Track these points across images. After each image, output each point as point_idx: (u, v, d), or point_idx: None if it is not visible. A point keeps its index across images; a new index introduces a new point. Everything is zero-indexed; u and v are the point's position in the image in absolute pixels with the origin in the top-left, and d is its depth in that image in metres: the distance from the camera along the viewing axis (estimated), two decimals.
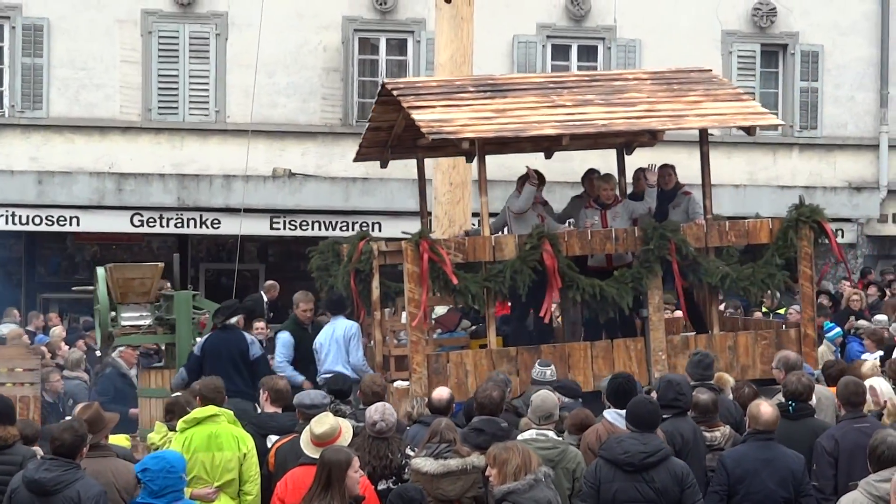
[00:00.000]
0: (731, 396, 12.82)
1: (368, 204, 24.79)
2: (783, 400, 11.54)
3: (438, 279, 13.96)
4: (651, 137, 16.14)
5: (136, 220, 24.43)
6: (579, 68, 26.04)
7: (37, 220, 24.30)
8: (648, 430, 10.07)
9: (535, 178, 15.42)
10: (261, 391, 12.17)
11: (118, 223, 24.60)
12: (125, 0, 24.91)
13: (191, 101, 24.95)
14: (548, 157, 17.32)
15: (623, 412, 10.66)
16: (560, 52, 26.19)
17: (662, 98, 15.19)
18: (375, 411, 10.80)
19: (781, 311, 20.29)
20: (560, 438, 10.80)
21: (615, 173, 16.38)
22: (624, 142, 16.35)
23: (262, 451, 11.11)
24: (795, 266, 14.86)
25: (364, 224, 24.76)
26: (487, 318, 14.62)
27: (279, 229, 24.99)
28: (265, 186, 24.30)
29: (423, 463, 10.12)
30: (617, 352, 14.58)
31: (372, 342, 15.89)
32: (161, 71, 24.85)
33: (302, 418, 11.05)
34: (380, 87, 15.54)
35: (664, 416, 10.91)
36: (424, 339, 14.30)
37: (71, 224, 24.49)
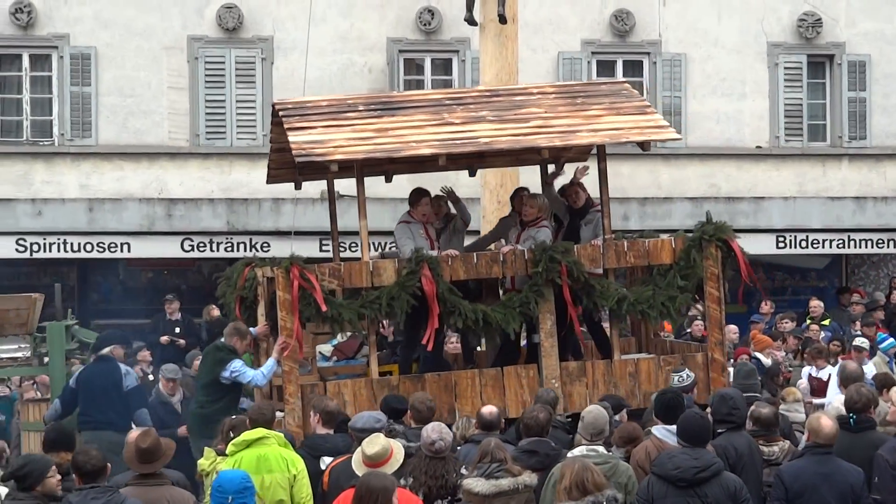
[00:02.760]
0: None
1: None
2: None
3: (310, 306, 13.48)
4: (581, 152, 15.96)
5: (186, 244, 24.51)
6: None
7: (88, 248, 24.43)
8: (700, 445, 10.01)
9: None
10: (311, 414, 12.15)
11: (169, 248, 24.70)
12: (171, 27, 25.07)
13: (238, 126, 25.05)
14: (471, 174, 16.93)
15: (672, 427, 10.61)
16: (605, 67, 26.14)
17: (561, 113, 14.63)
18: (433, 430, 10.76)
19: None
20: (610, 453, 10.75)
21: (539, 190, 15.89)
22: (547, 158, 15.71)
23: (315, 473, 11.11)
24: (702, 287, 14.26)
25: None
26: (370, 345, 14.28)
27: (329, 251, 25.02)
28: (314, 209, 24.31)
29: (475, 483, 10.09)
30: (508, 380, 14.00)
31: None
32: (208, 96, 24.97)
33: (356, 441, 11.04)
34: (272, 108, 15.16)
35: (718, 431, 10.85)
36: (297, 369, 13.76)
37: (122, 250, 24.60)
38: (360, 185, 14.20)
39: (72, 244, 24.42)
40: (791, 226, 26.21)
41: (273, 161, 15.47)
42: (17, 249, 24.20)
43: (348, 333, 16.57)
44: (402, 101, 15.17)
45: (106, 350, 15.64)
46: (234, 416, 12.10)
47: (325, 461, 11.39)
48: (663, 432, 10.83)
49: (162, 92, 24.94)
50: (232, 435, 11.25)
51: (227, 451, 11.07)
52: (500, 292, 14.94)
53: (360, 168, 14.15)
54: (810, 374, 17.17)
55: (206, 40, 25.12)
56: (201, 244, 24.71)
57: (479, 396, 13.81)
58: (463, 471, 10.52)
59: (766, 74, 26.42)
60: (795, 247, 26.32)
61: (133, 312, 25.53)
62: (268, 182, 16.50)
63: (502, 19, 18.14)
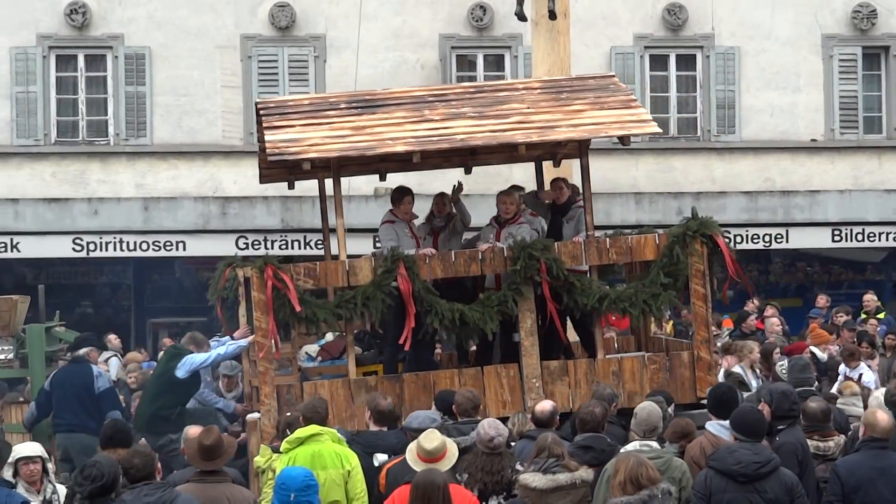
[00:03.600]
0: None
1: (472, 220, 24.71)
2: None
3: (284, 307, 13.32)
4: (583, 148, 15.79)
5: (240, 242, 24.62)
6: (678, 78, 25.97)
7: (144, 246, 24.59)
8: (757, 440, 9.97)
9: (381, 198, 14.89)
10: (366, 412, 12.17)
11: (223, 247, 24.77)
12: (224, 26, 25.20)
13: None
14: (467, 172, 16.66)
15: (725, 423, 10.57)
16: (658, 62, 26.06)
17: (543, 108, 14.31)
18: (490, 426, 10.75)
19: None
20: (663, 449, 10.72)
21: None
22: (541, 154, 15.51)
23: (368, 470, 11.12)
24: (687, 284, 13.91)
25: (465, 240, 24.69)
26: (348, 345, 14.15)
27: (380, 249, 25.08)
28: (367, 206, 24.35)
29: (532, 478, 10.08)
30: (488, 379, 13.70)
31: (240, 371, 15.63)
32: (262, 95, 25.05)
33: (411, 439, 11.04)
34: (255, 108, 14.93)
35: (779, 427, 10.80)
36: (273, 370, 13.60)
37: (177, 249, 24.73)
38: (337, 183, 14.05)
39: (127, 243, 24.58)
40: (847, 219, 26.02)
41: (264, 161, 15.10)
42: (73, 249, 24.37)
43: (337, 333, 16.41)
44: (384, 98, 14.95)
45: (81, 352, 15.68)
46: (289, 413, 12.12)
47: (379, 458, 11.40)
48: (717, 427, 10.79)
49: (216, 91, 25.07)
50: (288, 432, 11.29)
51: (281, 449, 11.11)
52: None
53: (337, 166, 14.03)
54: (845, 374, 17.01)
55: (259, 39, 25.23)
56: (256, 242, 24.81)
57: None
58: (518, 466, 10.51)
59: (821, 67, 26.26)
60: (851, 240, 26.12)
61: (188, 310, 25.68)
62: (261, 182, 16.32)
63: (552, 15, 18.11)
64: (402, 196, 14.93)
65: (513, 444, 11.46)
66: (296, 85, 25.08)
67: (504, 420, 11.70)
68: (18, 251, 24.45)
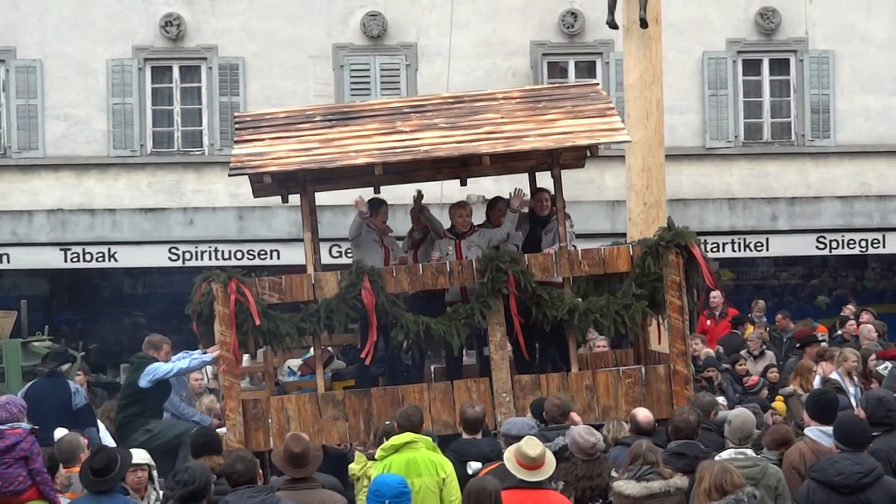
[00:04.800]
0: None
1: None
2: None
3: (247, 321, 13.27)
4: (577, 158, 15.45)
5: (333, 251, 24.70)
6: (771, 83, 25.76)
7: (238, 255, 24.77)
8: (859, 449, 9.85)
9: (363, 206, 14.63)
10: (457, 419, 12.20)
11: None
12: (317, 36, 25.37)
13: None
14: (463, 184, 16.41)
15: (826, 429, 10.46)
16: (751, 66, 25.87)
17: (517, 118, 14.14)
18: (588, 433, 10.76)
19: None
20: (759, 456, 10.64)
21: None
22: (534, 164, 15.33)
23: (462, 478, 11.14)
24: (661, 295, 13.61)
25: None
26: (316, 360, 14.12)
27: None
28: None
29: (626, 485, 10.06)
30: (458, 393, 13.53)
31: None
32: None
33: (508, 445, 11.04)
34: (233, 121, 14.83)
35: (874, 434, 10.68)
36: (237, 384, 13.60)
37: (271, 257, 24.90)
38: (304, 196, 14.11)
39: (222, 252, 24.79)
40: None
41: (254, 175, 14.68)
42: (169, 258, 24.63)
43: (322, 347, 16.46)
44: (360, 110, 14.90)
45: (64, 367, 15.76)
46: (387, 422, 12.18)
47: (472, 466, 11.42)
48: (817, 433, 10.67)
49: (308, 100, 25.20)
50: (384, 440, 11.34)
51: (376, 456, 11.17)
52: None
53: (304, 179, 14.04)
54: None
55: (351, 48, 25.37)
56: (349, 250, 24.85)
57: (428, 411, 13.32)
58: (613, 473, 10.49)
59: None
60: None
61: None
62: (254, 196, 16.07)
63: (643, 23, 18.04)
64: (378, 206, 15.00)
65: (609, 450, 11.46)
66: (387, 93, 25.17)
67: (597, 427, 11.68)
68: (116, 260, 24.75)
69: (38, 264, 25.18)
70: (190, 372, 15.04)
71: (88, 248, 24.70)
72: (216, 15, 25.33)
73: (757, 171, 25.81)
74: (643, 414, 11.70)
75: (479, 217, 15.83)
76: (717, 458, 10.32)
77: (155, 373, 14.34)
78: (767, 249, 25.70)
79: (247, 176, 13.90)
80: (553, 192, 14.58)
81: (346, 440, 13.43)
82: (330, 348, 16.65)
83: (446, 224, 15.19)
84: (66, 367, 15.70)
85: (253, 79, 25.27)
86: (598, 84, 15.52)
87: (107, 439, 14.26)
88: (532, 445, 10.06)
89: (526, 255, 13.91)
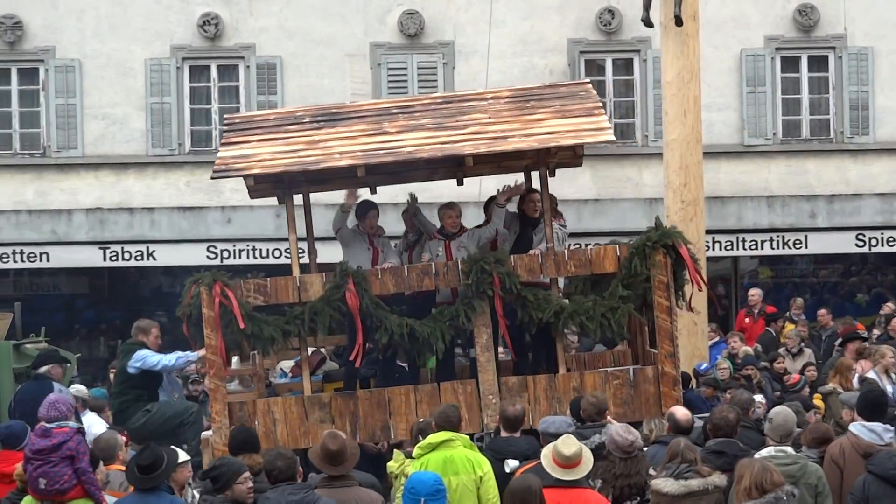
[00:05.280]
0: None
1: (601, 225, 24.69)
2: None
3: (231, 324, 13.30)
4: (573, 157, 15.35)
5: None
6: (810, 80, 25.63)
7: (276, 254, 24.84)
8: None
9: (348, 205, 14.67)
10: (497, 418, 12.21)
11: None
12: (354, 35, 25.41)
13: None
14: (459, 183, 16.14)
15: (871, 425, 10.45)
16: (790, 63, 25.76)
17: (504, 118, 14.07)
18: (626, 430, 10.73)
19: None
20: (799, 454, 10.61)
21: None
22: (529, 164, 15.23)
23: (500, 476, 11.14)
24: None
25: (597, 245, 24.64)
26: (302, 361, 14.09)
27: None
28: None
29: (664, 484, 10.03)
30: (444, 395, 13.49)
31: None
32: None
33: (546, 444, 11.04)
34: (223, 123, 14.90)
35: None
36: (224, 387, 13.62)
37: (308, 255, 24.94)
38: (289, 198, 14.13)
39: (260, 250, 24.87)
40: None
41: (261, 177, 14.68)
42: (207, 256, 24.72)
43: (311, 349, 16.27)
44: (349, 111, 14.91)
45: (43, 369, 15.87)
46: (421, 420, 12.19)
47: (510, 464, 11.42)
48: (860, 429, 10.65)
49: (346, 98, 25.19)
50: (420, 438, 11.35)
51: (413, 454, 11.17)
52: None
53: (289, 182, 14.08)
54: None
55: (388, 46, 25.39)
56: None
57: (415, 413, 13.42)
58: (651, 471, 10.47)
59: None
60: None
61: None
62: (251, 197, 16.13)
63: (678, 21, 17.99)
64: (366, 210, 14.96)
65: (645, 448, 11.43)
66: (425, 92, 25.16)
67: (635, 425, 11.66)
68: (154, 259, 24.87)
69: (77, 263, 25.32)
70: (174, 369, 15.05)
71: (127, 247, 24.83)
72: (254, 14, 25.40)
73: (795, 169, 25.69)
74: (682, 412, 11.68)
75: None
76: (756, 456, 10.30)
77: (143, 361, 14.48)
78: (806, 247, 25.61)
79: (243, 178, 13.94)
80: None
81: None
82: (323, 350, 16.65)
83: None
84: (45, 368, 15.73)
85: (290, 78, 25.32)
86: (588, 83, 15.39)
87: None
88: (568, 444, 10.04)
89: (512, 256, 13.86)
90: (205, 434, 13.87)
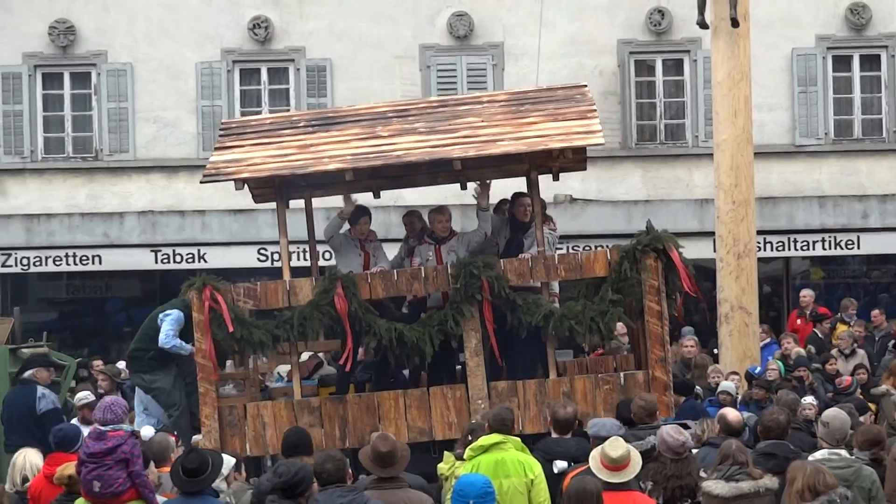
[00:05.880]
0: None
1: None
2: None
3: (221, 328, 13.29)
4: (577, 161, 15.21)
5: None
6: (862, 79, 25.46)
7: (327, 256, 24.83)
8: None
9: (346, 212, 14.65)
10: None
11: None
12: (403, 37, 25.45)
13: None
14: (463, 187, 15.85)
15: None
16: (841, 63, 25.59)
17: (496, 122, 14.00)
18: (677, 431, 10.71)
19: None
20: (853, 458, 10.54)
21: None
22: (528, 168, 14.84)
23: (548, 477, 11.13)
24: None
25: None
26: (293, 368, 14.06)
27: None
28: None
29: (715, 486, 10.01)
30: (434, 400, 13.49)
31: None
32: None
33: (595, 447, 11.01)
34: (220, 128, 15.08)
35: None
36: (213, 390, 13.58)
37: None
38: (280, 202, 14.16)
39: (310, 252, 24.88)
40: None
41: (260, 181, 14.90)
42: (258, 259, 24.81)
43: (309, 353, 16.39)
44: (344, 115, 14.92)
45: (28, 373, 15.95)
46: (473, 420, 12.18)
47: (558, 465, 11.42)
48: None
49: (395, 100, 25.30)
50: (470, 439, 11.35)
51: (464, 456, 11.17)
52: None
53: (280, 186, 14.11)
54: None
55: (437, 48, 25.42)
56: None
57: (404, 417, 13.44)
58: (702, 473, 10.43)
59: None
60: None
61: None
62: (255, 202, 16.23)
63: (734, 23, 17.92)
64: (358, 217, 14.91)
65: (695, 450, 11.39)
66: (474, 93, 25.18)
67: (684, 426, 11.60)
68: (205, 262, 24.95)
69: (129, 265, 25.47)
70: (166, 346, 14.75)
71: (178, 250, 24.95)
72: (304, 17, 25.49)
73: (847, 169, 25.52)
74: (733, 414, 11.65)
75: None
76: (810, 458, 10.24)
77: (167, 323, 14.49)
78: (858, 248, 25.43)
79: (215, 181, 14.11)
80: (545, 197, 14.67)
81: (322, 447, 13.24)
82: (321, 354, 16.66)
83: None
84: (29, 372, 15.94)
85: (340, 80, 25.38)
86: (585, 86, 15.30)
87: None
88: (615, 446, 10.03)
89: (501, 260, 13.83)
90: (195, 437, 13.84)
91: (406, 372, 15.02)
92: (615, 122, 25.29)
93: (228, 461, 11.07)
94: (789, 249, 25.25)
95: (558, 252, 14.35)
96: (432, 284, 13.69)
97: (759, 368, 17.38)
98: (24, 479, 11.50)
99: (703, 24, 18.77)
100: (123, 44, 25.46)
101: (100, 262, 25.08)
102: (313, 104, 25.06)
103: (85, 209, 25.22)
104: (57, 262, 25.12)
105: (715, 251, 18.86)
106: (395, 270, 14.00)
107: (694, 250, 24.28)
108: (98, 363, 19.15)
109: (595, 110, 14.28)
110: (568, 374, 14.50)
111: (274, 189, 14.78)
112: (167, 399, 14.66)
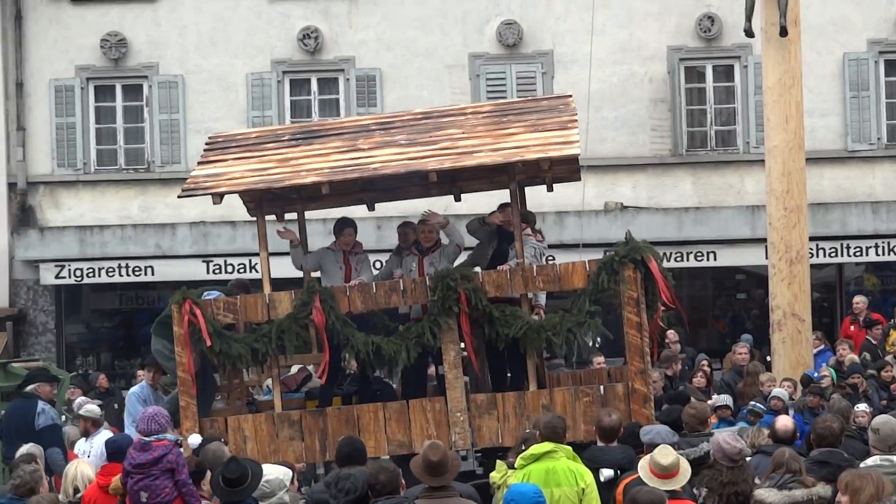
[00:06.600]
0: None
1: (702, 233, 24.56)
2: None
3: (200, 341, 13.30)
4: (570, 171, 15.15)
5: None
6: None
7: (377, 265, 24.82)
8: None
9: (295, 241, 14.60)
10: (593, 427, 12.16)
11: None
12: (452, 46, 25.48)
13: None
14: (457, 199, 16.04)
15: None
16: (894, 67, 25.41)
17: (477, 133, 13.93)
18: (734, 438, 10.65)
19: None
20: None
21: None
22: (522, 179, 14.93)
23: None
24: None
25: (699, 254, 24.59)
26: (273, 379, 14.01)
27: None
28: (597, 221, 24.35)
29: (768, 494, 9.94)
30: (413, 413, 13.45)
31: None
32: None
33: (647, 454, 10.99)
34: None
35: None
36: (194, 403, 13.55)
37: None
38: (260, 216, 14.09)
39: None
40: None
41: (245, 195, 14.87)
42: None
43: (299, 366, 16.27)
44: (328, 128, 14.94)
45: (30, 387, 16.00)
46: (527, 430, 12.16)
47: (604, 473, 11.38)
48: None
49: None
50: (524, 448, 11.33)
51: (515, 465, 11.15)
52: None
53: (260, 200, 14.08)
54: None
55: (486, 57, 25.44)
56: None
57: (383, 430, 13.40)
58: (756, 480, 10.38)
59: None
60: None
61: None
62: (251, 215, 15.84)
63: (783, 31, 17.83)
64: (342, 228, 14.82)
65: (748, 458, 11.33)
66: None
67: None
68: (257, 272, 24.62)
69: (181, 276, 25.48)
70: None
71: (230, 260, 25.06)
72: (353, 27, 25.57)
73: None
74: (782, 422, 11.57)
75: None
76: (861, 465, 10.17)
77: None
78: None
79: (192, 196, 14.28)
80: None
81: (302, 460, 13.41)
82: (309, 367, 16.68)
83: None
84: (32, 386, 15.99)
85: (390, 90, 25.45)
86: (570, 96, 15.23)
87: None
88: (665, 454, 9.99)
89: (480, 271, 13.81)
90: (193, 438, 13.89)
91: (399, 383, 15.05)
92: (665, 129, 25.25)
93: (287, 472, 11.10)
94: (842, 255, 25.07)
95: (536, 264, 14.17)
96: (410, 297, 13.65)
97: (817, 374, 17.27)
98: (76, 490, 11.56)
99: (749, 33, 18.67)
100: (175, 56, 25.64)
101: (152, 273, 25.24)
102: (363, 114, 25.08)
103: (137, 220, 25.40)
104: (110, 274, 25.30)
105: (767, 258, 18.75)
106: (373, 283, 13.99)
107: (746, 257, 24.21)
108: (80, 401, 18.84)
109: (576, 121, 14.21)
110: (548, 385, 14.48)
111: (267, 202, 14.85)
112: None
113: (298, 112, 25.65)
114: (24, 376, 17.27)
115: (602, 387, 13.68)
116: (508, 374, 14.45)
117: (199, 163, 14.56)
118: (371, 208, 15.98)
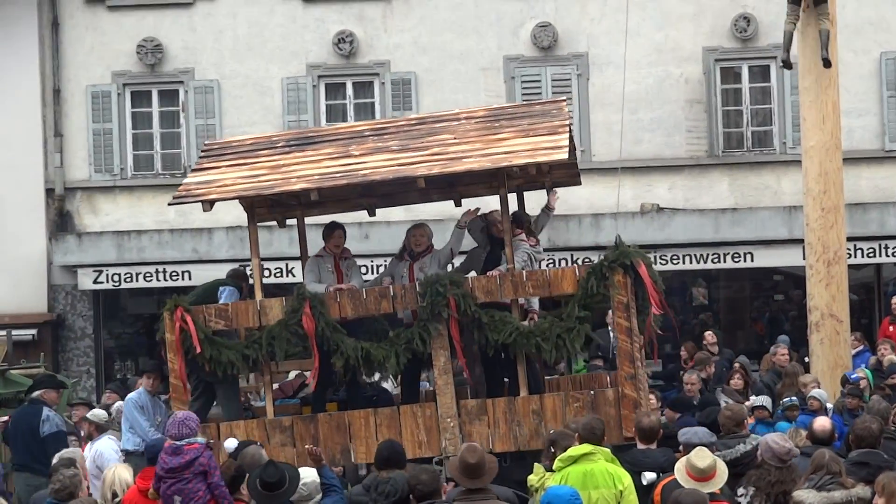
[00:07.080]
0: None
1: (739, 234, 24.48)
2: None
3: (192, 348, 13.33)
4: (570, 176, 15.17)
5: None
6: None
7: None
8: None
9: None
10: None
11: None
12: (487, 48, 25.49)
13: None
14: (457, 204, 15.64)
15: None
16: None
17: (468, 139, 13.88)
18: (783, 438, 10.66)
19: None
20: None
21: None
22: (520, 183, 14.94)
23: (637, 488, 11.07)
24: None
25: (736, 255, 24.51)
26: (265, 385, 14.01)
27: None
28: (634, 222, 24.30)
29: (807, 495, 9.94)
30: (404, 419, 13.40)
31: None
32: None
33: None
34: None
35: None
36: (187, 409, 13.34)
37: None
38: (252, 223, 14.08)
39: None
40: None
41: (244, 201, 14.66)
42: None
43: (296, 372, 16.30)
44: (322, 135, 15.00)
45: (36, 394, 16.04)
46: (553, 431, 12.13)
47: (647, 476, 11.38)
48: None
49: None
50: (553, 450, 11.31)
51: (553, 467, 11.14)
52: None
53: (251, 207, 14.04)
54: None
55: (521, 59, 25.43)
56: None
57: (374, 436, 13.31)
58: None
59: None
60: None
61: None
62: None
63: (826, 63, 17.71)
64: (331, 231, 14.80)
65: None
66: None
67: None
68: (293, 276, 24.77)
69: None
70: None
71: (266, 264, 25.03)
72: (388, 31, 25.61)
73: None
74: (819, 423, 11.54)
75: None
76: None
77: (221, 297, 14.72)
78: None
79: (182, 204, 14.28)
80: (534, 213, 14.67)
81: (294, 466, 13.34)
82: (306, 373, 16.69)
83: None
84: (38, 393, 16.08)
85: (425, 93, 25.47)
86: (564, 101, 15.17)
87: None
88: (702, 457, 9.98)
89: (469, 277, 13.82)
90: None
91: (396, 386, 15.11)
92: (701, 129, 25.19)
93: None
94: (880, 256, 24.93)
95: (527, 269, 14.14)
96: (400, 303, 13.65)
97: (855, 375, 17.17)
98: (115, 495, 11.60)
99: (787, 64, 18.46)
100: (210, 61, 25.73)
101: (189, 278, 25.25)
102: (398, 117, 25.11)
103: (174, 225, 25.47)
104: (147, 278, 25.39)
105: (804, 259, 18.67)
106: (363, 289, 13.98)
107: (783, 258, 24.07)
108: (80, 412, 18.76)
109: (567, 126, 14.18)
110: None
111: (267, 208, 14.89)
112: None
113: (334, 116, 25.68)
114: (23, 383, 17.37)
115: (592, 392, 13.68)
116: (506, 380, 14.38)
117: (194, 170, 14.66)
118: (372, 213, 15.98)
